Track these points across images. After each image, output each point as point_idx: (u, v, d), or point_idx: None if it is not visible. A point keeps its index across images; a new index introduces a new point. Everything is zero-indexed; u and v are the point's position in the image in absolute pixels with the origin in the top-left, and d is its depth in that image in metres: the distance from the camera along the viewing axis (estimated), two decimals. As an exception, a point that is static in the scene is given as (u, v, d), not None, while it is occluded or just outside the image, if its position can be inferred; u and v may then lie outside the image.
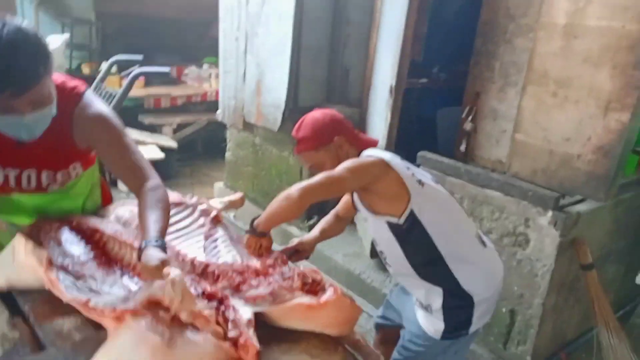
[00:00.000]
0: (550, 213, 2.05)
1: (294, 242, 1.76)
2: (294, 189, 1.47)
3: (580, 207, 2.15)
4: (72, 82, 1.38)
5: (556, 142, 2.34)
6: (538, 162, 2.43)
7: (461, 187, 2.36)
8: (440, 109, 3.78)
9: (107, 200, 1.76)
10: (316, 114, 1.64)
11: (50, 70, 1.19)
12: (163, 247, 1.19)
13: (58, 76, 1.35)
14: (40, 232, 1.37)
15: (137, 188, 1.36)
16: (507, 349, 2.27)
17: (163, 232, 1.25)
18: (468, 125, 2.74)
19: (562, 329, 2.34)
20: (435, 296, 1.54)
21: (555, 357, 2.32)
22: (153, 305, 1.08)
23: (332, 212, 1.87)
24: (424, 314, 1.59)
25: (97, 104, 1.39)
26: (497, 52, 2.52)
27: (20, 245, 1.28)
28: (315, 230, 1.82)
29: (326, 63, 3.34)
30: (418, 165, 2.56)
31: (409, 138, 3.48)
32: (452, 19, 4.17)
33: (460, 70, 3.35)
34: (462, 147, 2.81)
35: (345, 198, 1.80)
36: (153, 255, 1.13)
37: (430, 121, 3.88)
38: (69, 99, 1.33)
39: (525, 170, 2.48)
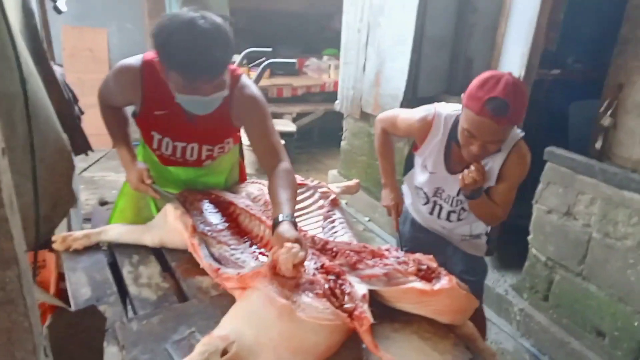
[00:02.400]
0: (702, 221, 1.81)
1: None
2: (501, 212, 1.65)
3: None
4: (233, 68, 1.51)
5: None
6: (690, 164, 2.15)
7: (594, 187, 2.18)
8: (573, 102, 3.48)
9: (243, 178, 1.96)
10: (518, 81, 1.43)
11: (232, 59, 1.37)
12: (295, 224, 1.29)
13: None
14: (186, 201, 1.57)
15: (272, 167, 1.49)
16: (639, 367, 2.06)
17: (294, 211, 1.35)
18: (607, 120, 2.50)
19: None
20: (479, 223, 1.80)
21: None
22: (277, 272, 1.19)
23: None
24: (471, 244, 1.86)
25: (252, 86, 1.54)
26: (648, 39, 2.26)
27: (171, 210, 1.48)
28: None
29: (449, 53, 3.27)
30: (545, 161, 2.42)
31: (537, 133, 3.26)
32: (594, 4, 3.79)
33: (599, 61, 3.05)
34: (598, 144, 2.56)
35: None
36: (288, 231, 1.23)
37: (562, 115, 3.59)
38: (231, 79, 1.46)
39: (675, 172, 2.21)
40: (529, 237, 2.51)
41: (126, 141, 1.62)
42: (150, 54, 1.43)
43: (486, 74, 1.41)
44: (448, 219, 1.81)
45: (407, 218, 2.00)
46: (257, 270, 1.17)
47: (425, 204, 1.83)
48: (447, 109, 1.66)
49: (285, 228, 1.24)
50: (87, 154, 1.92)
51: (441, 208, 1.80)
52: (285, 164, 1.50)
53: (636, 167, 2.37)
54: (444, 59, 3.26)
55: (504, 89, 1.35)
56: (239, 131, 1.68)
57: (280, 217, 1.28)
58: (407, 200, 1.98)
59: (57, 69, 2.00)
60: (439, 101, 3.27)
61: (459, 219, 1.80)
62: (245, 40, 5.59)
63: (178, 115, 1.47)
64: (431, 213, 1.84)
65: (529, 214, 2.51)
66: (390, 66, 3.31)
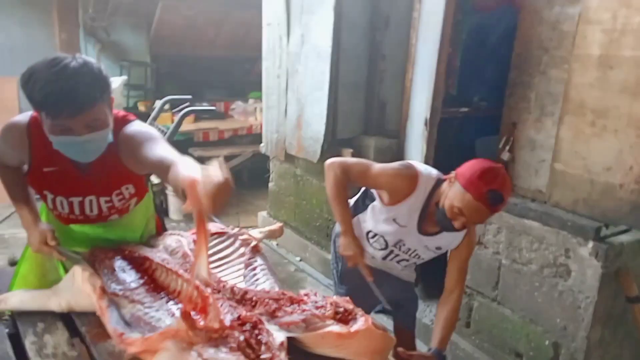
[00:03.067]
0: (591, 243, 2.01)
1: None
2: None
3: (625, 238, 2.10)
4: (125, 114, 1.50)
5: (597, 172, 2.30)
6: (579, 191, 2.39)
7: (498, 217, 2.35)
8: (479, 139, 3.78)
9: (160, 232, 1.90)
10: (507, 175, 1.60)
11: (107, 98, 1.32)
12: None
13: (117, 111, 1.47)
14: (96, 260, 1.51)
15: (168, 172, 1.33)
16: (551, 384, 2.20)
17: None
18: (505, 155, 2.74)
19: (611, 364, 2.24)
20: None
21: (605, 394, 2.22)
22: (180, 333, 1.17)
23: None
24: (409, 271, 2.01)
25: (139, 125, 1.47)
26: (532, 83, 2.53)
27: (78, 272, 1.42)
28: None
29: (363, 97, 3.45)
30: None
31: (449, 166, 3.48)
32: (487, 52, 4.19)
33: (501, 99, 3.35)
34: (501, 177, 2.80)
35: None
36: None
37: (471, 150, 3.87)
38: (118, 125, 1.43)
39: (566, 200, 2.44)
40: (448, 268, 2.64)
41: (26, 201, 1.54)
42: (35, 115, 1.38)
43: (483, 164, 1.55)
44: (399, 263, 1.92)
45: (338, 255, 2.00)
46: (163, 332, 1.14)
47: (383, 249, 1.87)
48: (425, 170, 1.75)
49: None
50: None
51: (396, 255, 1.88)
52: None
53: (534, 197, 2.60)
54: (359, 102, 3.43)
55: (502, 183, 1.52)
56: (138, 177, 1.56)
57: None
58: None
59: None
60: (356, 142, 3.42)
61: (407, 264, 1.94)
62: (169, 85, 5.55)
63: (68, 169, 1.42)
64: (384, 258, 1.90)
65: None
66: (310, 110, 3.43)
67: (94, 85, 1.25)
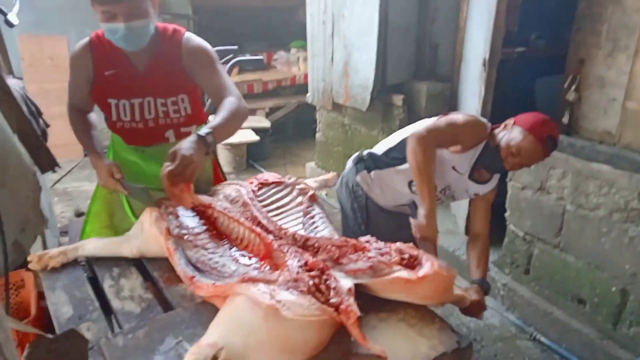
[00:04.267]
0: (668, 186, 1.88)
1: None
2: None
3: None
4: (174, 25, 1.69)
5: (675, 109, 2.12)
6: (654, 131, 2.22)
7: (564, 161, 2.23)
8: (539, 79, 3.56)
9: (218, 179, 1.95)
10: None
11: None
12: (205, 138, 1.39)
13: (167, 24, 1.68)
14: (162, 206, 1.54)
15: (220, 100, 1.60)
16: (618, 330, 2.14)
17: (218, 128, 1.45)
18: (571, 95, 2.56)
19: (682, 312, 2.15)
20: None
21: (674, 341, 2.15)
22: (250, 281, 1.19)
23: None
24: None
25: (198, 38, 1.68)
26: (604, 14, 2.31)
27: (146, 217, 1.46)
28: None
29: (414, 40, 3.29)
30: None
31: (504, 111, 3.32)
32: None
33: (562, 37, 3.12)
34: (565, 119, 2.63)
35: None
36: (186, 145, 1.34)
37: (529, 92, 3.67)
38: (175, 34, 1.64)
39: (639, 140, 2.28)
40: (506, 214, 2.57)
41: (93, 143, 1.67)
42: (95, 32, 1.62)
43: (543, 116, 1.65)
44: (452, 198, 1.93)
45: (358, 200, 2.00)
46: (231, 284, 1.17)
47: None
48: (485, 120, 1.79)
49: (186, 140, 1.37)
50: (54, 171, 1.87)
51: (436, 199, 1.83)
52: (232, 98, 1.58)
53: (603, 139, 2.44)
54: (409, 46, 3.28)
55: (558, 133, 1.65)
56: (195, 91, 1.72)
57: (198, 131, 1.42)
58: (377, 188, 1.97)
59: (15, 83, 1.94)
60: (407, 87, 3.30)
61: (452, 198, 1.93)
62: (210, 37, 5.50)
63: (126, 69, 1.61)
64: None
65: (504, 191, 2.57)
66: (358, 56, 3.32)
67: None
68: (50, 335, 0.74)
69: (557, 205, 2.31)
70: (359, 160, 2.01)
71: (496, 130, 1.71)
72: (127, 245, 1.49)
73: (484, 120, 1.77)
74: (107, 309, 1.31)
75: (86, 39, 1.63)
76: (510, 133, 1.64)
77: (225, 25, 5.89)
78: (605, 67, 2.39)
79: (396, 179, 1.89)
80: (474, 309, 1.56)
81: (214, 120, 1.49)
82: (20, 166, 1.39)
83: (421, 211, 1.65)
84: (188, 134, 1.72)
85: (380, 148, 1.97)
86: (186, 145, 1.34)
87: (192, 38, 1.66)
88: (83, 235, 1.83)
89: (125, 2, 1.44)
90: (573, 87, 2.52)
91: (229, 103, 1.56)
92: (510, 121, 1.69)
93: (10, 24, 2.07)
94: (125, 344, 1.12)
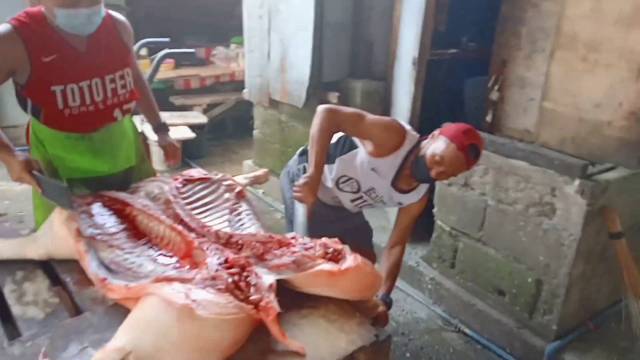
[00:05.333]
0: (577, 182, 2.01)
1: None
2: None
3: (610, 175, 2.10)
4: None
5: (586, 109, 2.27)
6: (567, 130, 2.37)
7: (486, 157, 2.33)
8: (468, 80, 3.70)
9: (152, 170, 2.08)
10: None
11: None
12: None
13: None
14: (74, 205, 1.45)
15: (142, 80, 1.99)
16: (533, 318, 2.26)
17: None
18: (494, 95, 2.69)
19: (590, 298, 2.31)
20: None
21: (583, 326, 2.30)
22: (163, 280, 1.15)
23: None
24: None
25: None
26: (524, 17, 2.45)
27: (56, 217, 1.37)
28: None
29: (349, 37, 3.32)
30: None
31: (436, 110, 3.43)
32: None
33: (490, 40, 3.26)
34: (489, 118, 2.76)
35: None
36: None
37: (459, 92, 3.81)
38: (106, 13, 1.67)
39: (554, 139, 2.43)
40: (434, 210, 2.65)
41: (1, 137, 1.55)
42: (13, 17, 1.51)
43: (467, 125, 1.71)
44: (361, 207, 2.01)
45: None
46: (144, 285, 1.12)
47: (354, 193, 1.91)
48: (410, 128, 1.83)
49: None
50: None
51: (364, 201, 1.93)
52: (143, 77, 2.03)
53: (522, 137, 2.58)
54: (345, 43, 3.31)
55: (481, 142, 1.70)
56: (132, 60, 1.79)
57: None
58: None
59: None
60: (343, 85, 3.32)
61: (367, 208, 2.01)
62: (146, 31, 5.27)
63: (68, 53, 1.56)
64: (352, 201, 1.95)
65: (432, 188, 2.65)
66: (295, 52, 3.30)
67: None
68: None
69: (479, 200, 2.41)
70: (303, 153, 2.06)
71: (424, 141, 1.76)
72: (34, 247, 1.40)
73: (407, 127, 1.80)
74: (7, 316, 1.22)
75: (7, 26, 1.48)
76: (435, 142, 1.69)
77: (162, 18, 5.67)
78: (525, 68, 2.52)
79: (328, 175, 1.92)
80: (380, 320, 1.60)
81: (149, 106, 2.01)
82: None
83: (306, 174, 1.67)
84: (129, 110, 1.79)
85: None
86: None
87: (113, 13, 1.74)
88: None
89: None
90: (496, 87, 2.65)
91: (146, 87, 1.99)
92: (436, 131, 1.74)
93: None
94: (22, 352, 1.04)
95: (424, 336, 2.42)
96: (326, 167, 1.91)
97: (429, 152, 1.69)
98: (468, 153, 1.64)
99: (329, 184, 1.93)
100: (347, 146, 1.87)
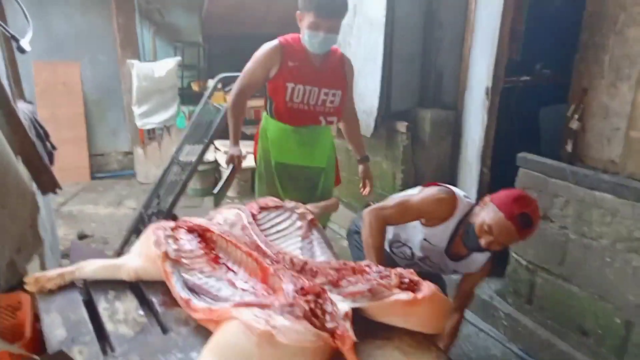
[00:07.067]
0: (671, 216, 1.86)
1: None
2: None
3: None
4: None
5: (679, 139, 2.11)
6: (657, 161, 2.21)
7: (566, 189, 2.22)
8: (543, 108, 3.57)
9: (337, 179, 2.65)
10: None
11: (344, 17, 2.14)
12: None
13: None
14: (159, 230, 1.55)
15: (353, 114, 2.56)
16: (623, 364, 2.08)
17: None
18: (575, 124, 2.56)
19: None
20: None
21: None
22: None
23: None
24: None
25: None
26: (607, 44, 2.34)
27: (144, 239, 1.47)
28: None
29: (419, 67, 3.33)
30: (518, 167, 2.46)
31: (509, 139, 3.33)
32: (553, 13, 3.92)
33: (566, 66, 3.14)
34: (569, 148, 2.63)
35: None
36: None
37: (533, 121, 3.68)
38: (338, 49, 2.32)
39: (643, 170, 2.26)
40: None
41: (239, 130, 2.31)
42: (281, 36, 2.23)
43: (519, 191, 1.69)
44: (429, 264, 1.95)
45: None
46: (227, 309, 1.16)
47: (407, 259, 1.91)
48: (463, 195, 1.80)
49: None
50: (55, 192, 1.89)
51: (420, 267, 1.92)
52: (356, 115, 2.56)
53: (606, 168, 2.43)
54: (414, 73, 3.32)
55: (534, 210, 1.60)
56: (345, 93, 2.30)
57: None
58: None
59: (25, 107, 1.98)
60: (412, 114, 3.33)
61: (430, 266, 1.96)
62: (221, 65, 5.59)
63: (306, 64, 2.18)
64: (406, 267, 1.92)
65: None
66: (364, 84, 3.36)
67: (346, 4, 2.13)
68: (38, 358, 0.74)
69: (560, 234, 2.28)
70: (366, 205, 2.08)
71: (476, 207, 1.71)
72: (124, 268, 1.49)
73: (458, 193, 1.77)
74: (101, 332, 1.31)
75: (275, 42, 2.20)
76: (485, 210, 1.64)
77: (236, 52, 5.98)
78: (608, 96, 2.40)
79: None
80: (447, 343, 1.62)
81: (357, 139, 2.60)
82: (19, 187, 1.41)
83: None
84: (332, 122, 2.32)
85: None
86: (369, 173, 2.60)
87: (348, 57, 2.37)
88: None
89: (334, 20, 2.08)
90: (576, 116, 2.53)
91: (356, 121, 2.57)
92: (487, 198, 1.69)
93: (22, 50, 2.13)
94: (116, 367, 1.11)
95: (499, 376, 2.30)
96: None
97: (478, 221, 1.63)
98: (518, 223, 1.56)
99: (385, 246, 1.91)
100: None
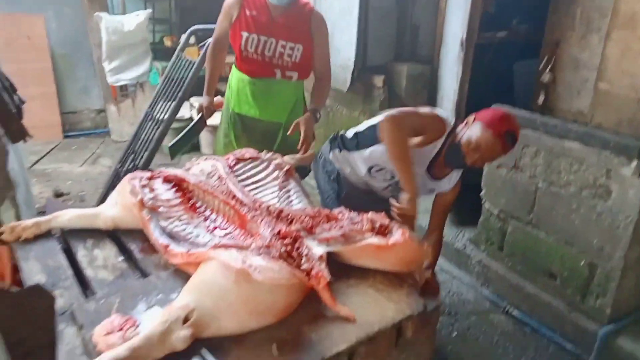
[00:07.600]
0: (634, 162, 1.94)
1: None
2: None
3: (671, 157, 2.01)
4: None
5: (645, 89, 2.17)
6: (623, 111, 2.27)
7: (537, 139, 2.28)
8: (517, 62, 3.60)
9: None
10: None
11: None
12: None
13: None
14: (134, 180, 1.55)
15: (320, 74, 2.33)
16: (585, 302, 2.21)
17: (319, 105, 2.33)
18: (546, 77, 2.60)
19: (647, 284, 2.23)
20: None
21: (639, 311, 2.23)
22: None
23: None
24: None
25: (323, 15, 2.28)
26: (579, -5, 2.35)
27: (121, 187, 1.47)
28: None
29: (395, 21, 3.30)
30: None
31: (484, 93, 3.36)
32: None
33: (542, 22, 3.15)
34: (540, 99, 2.68)
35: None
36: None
37: (509, 75, 3.71)
38: (307, 4, 2.22)
39: (610, 120, 2.33)
40: (482, 193, 2.62)
41: (215, 80, 2.36)
42: None
43: (504, 110, 1.70)
44: (392, 194, 1.90)
45: (330, 175, 2.06)
46: (204, 251, 1.19)
47: (387, 181, 1.91)
48: (447, 115, 1.83)
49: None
50: (25, 141, 1.86)
51: (395, 188, 1.90)
52: (326, 77, 2.34)
53: (576, 119, 2.49)
54: (390, 27, 3.29)
55: (518, 127, 1.66)
56: (308, 48, 2.21)
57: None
58: (347, 167, 2.00)
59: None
60: (388, 69, 3.31)
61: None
62: (193, 20, 5.41)
63: (264, 15, 2.14)
64: (385, 189, 1.94)
65: (480, 171, 2.62)
66: (339, 37, 3.31)
67: None
68: (14, 289, 0.76)
69: (530, 183, 2.36)
70: (333, 139, 2.07)
71: (458, 127, 1.73)
72: (101, 217, 1.50)
73: (445, 116, 1.78)
74: (81, 278, 1.32)
75: None
76: (471, 129, 1.66)
77: (208, 6, 5.80)
78: (579, 48, 2.43)
79: (360, 163, 1.93)
80: (430, 291, 1.60)
81: (316, 93, 2.31)
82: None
83: (404, 195, 1.67)
84: (290, 77, 2.24)
85: (351, 131, 2.02)
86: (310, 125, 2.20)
87: (316, 9, 2.24)
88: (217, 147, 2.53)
89: None
90: (548, 69, 2.56)
91: (324, 80, 2.32)
92: (471, 117, 1.71)
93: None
94: (97, 309, 1.13)
95: (471, 317, 2.42)
96: (357, 153, 1.93)
97: (464, 139, 1.66)
98: (505, 139, 1.61)
99: (362, 171, 1.93)
100: (375, 138, 1.82)
